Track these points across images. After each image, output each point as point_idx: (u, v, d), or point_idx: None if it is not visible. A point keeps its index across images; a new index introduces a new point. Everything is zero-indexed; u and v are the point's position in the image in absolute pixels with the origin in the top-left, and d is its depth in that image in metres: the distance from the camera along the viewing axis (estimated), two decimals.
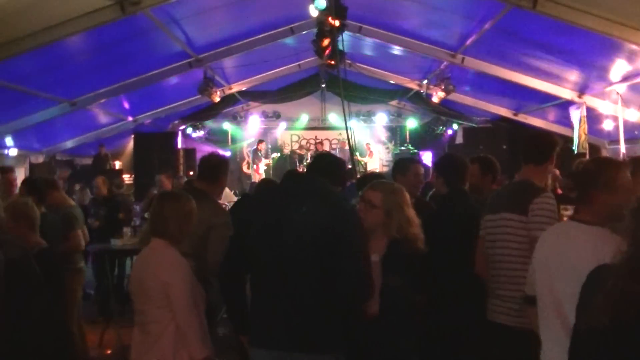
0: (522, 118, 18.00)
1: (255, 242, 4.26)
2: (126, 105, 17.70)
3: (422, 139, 24.43)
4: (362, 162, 22.96)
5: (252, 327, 4.32)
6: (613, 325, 2.54)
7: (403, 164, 6.84)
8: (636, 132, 13.17)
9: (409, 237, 4.71)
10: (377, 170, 21.03)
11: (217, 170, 6.09)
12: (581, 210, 3.88)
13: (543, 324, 3.90)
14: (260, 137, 24.58)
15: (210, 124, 24.13)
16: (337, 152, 23.52)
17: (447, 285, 5.32)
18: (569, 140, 14.11)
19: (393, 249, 4.68)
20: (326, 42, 12.84)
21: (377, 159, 24.80)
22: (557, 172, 8.68)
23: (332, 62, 13.22)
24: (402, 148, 24.08)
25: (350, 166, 10.89)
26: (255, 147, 23.72)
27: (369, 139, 24.96)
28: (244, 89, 20.11)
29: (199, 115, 21.68)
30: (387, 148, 25.60)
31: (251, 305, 4.35)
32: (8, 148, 15.97)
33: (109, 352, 9.30)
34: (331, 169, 4.58)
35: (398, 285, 4.56)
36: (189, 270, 4.58)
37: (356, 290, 4.19)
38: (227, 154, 23.83)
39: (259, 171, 22.89)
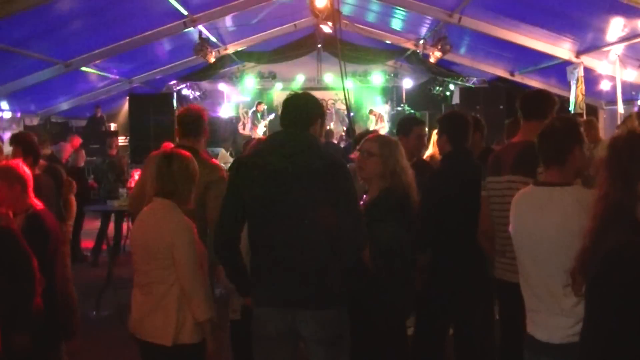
0: (519, 78, 17.93)
1: (251, 203, 4.24)
2: (121, 66, 17.61)
3: (418, 99, 24.35)
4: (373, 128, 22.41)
5: (254, 286, 4.33)
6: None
7: (406, 125, 6.79)
8: (633, 93, 13.13)
9: (402, 184, 4.81)
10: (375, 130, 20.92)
11: (198, 123, 6.05)
12: (552, 172, 3.84)
13: (525, 287, 3.92)
14: (256, 98, 24.49)
15: (205, 84, 24.05)
16: (333, 112, 23.48)
17: (451, 244, 5.33)
18: (566, 100, 14.07)
19: (385, 194, 4.80)
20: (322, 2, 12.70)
21: (386, 122, 24.24)
22: None
23: (329, 23, 13.12)
24: (399, 108, 24.02)
25: (346, 127, 10.85)
26: (254, 108, 23.65)
27: (364, 100, 24.81)
28: (239, 49, 20.00)
29: (194, 76, 21.58)
30: (384, 108, 25.50)
31: (252, 265, 4.35)
32: (2, 110, 15.91)
33: (106, 313, 9.33)
34: (306, 111, 4.43)
35: (390, 232, 4.60)
36: (193, 231, 4.57)
37: (356, 240, 4.26)
38: (228, 114, 23.85)
39: (258, 132, 22.82)
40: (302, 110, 4.42)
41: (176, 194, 4.63)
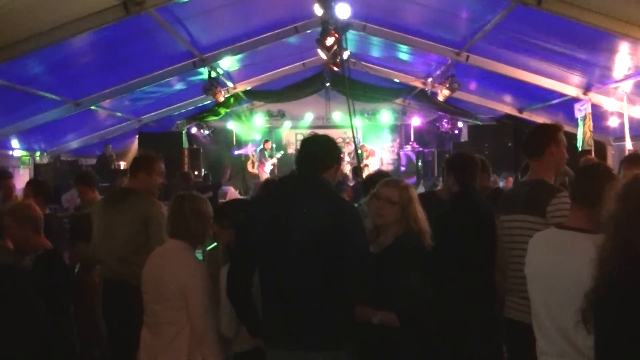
0: (527, 115, 17.96)
1: (259, 245, 4.25)
2: (131, 105, 17.70)
3: (426, 137, 24.39)
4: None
5: (264, 328, 4.33)
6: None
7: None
8: None
9: (416, 232, 4.69)
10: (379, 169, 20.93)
11: (142, 166, 6.42)
12: (578, 213, 3.83)
13: (537, 328, 3.89)
14: (265, 137, 24.58)
15: (214, 123, 24.14)
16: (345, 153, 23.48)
17: (459, 283, 5.29)
18: (574, 137, 14.07)
19: (402, 240, 4.68)
20: (330, 41, 12.78)
21: (378, 158, 24.45)
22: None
23: (337, 62, 13.21)
24: (407, 147, 24.04)
25: (350, 165, 10.81)
26: (261, 146, 23.70)
27: (373, 138, 24.83)
28: (248, 88, 20.12)
29: (203, 115, 21.69)
30: (392, 147, 25.52)
31: (263, 307, 4.35)
32: (13, 149, 15.99)
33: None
34: (322, 154, 4.44)
35: (406, 281, 4.54)
36: (206, 273, 4.57)
37: (363, 285, 4.24)
38: (239, 152, 23.95)
39: (265, 170, 22.86)
40: (318, 154, 4.41)
41: (189, 236, 4.64)
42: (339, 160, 4.54)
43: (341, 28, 11.49)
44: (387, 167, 23.37)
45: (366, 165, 21.93)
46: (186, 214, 4.66)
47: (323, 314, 4.13)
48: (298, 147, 4.60)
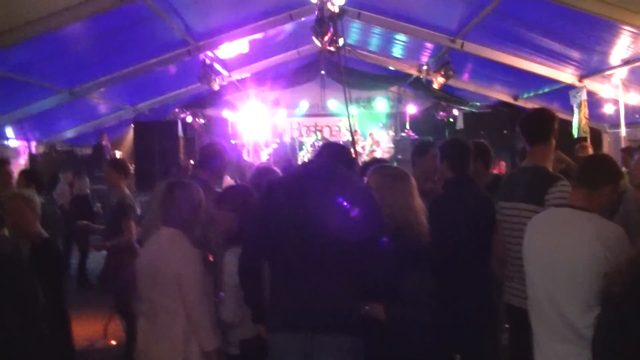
0: (523, 103, 17.98)
1: (276, 228, 4.26)
2: (126, 94, 17.70)
3: (422, 125, 24.35)
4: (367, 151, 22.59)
5: (272, 311, 4.33)
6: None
7: (422, 147, 6.86)
8: (637, 116, 13.16)
9: (408, 224, 4.58)
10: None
11: (216, 159, 6.07)
12: (578, 195, 3.87)
13: (534, 311, 3.91)
14: (260, 125, 24.53)
15: (210, 111, 24.10)
16: (341, 140, 23.49)
17: (454, 271, 5.28)
18: (570, 125, 14.08)
19: (392, 239, 4.51)
20: (326, 31, 12.75)
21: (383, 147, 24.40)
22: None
23: (332, 49, 13.17)
24: (403, 134, 24.02)
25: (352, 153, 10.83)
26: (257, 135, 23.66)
27: (368, 126, 24.79)
28: (243, 76, 20.09)
29: (198, 103, 21.66)
30: (388, 134, 25.49)
31: (272, 291, 4.36)
32: (8, 139, 15.97)
33: (113, 342, 9.29)
34: (341, 156, 4.59)
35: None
36: (200, 260, 4.57)
37: (381, 271, 4.25)
38: (232, 141, 23.90)
39: (261, 159, 22.82)
40: (340, 154, 4.67)
41: (180, 223, 4.64)
42: (353, 163, 4.85)
43: (336, 15, 11.45)
44: (384, 155, 23.29)
45: (373, 151, 22.07)
46: (177, 202, 4.65)
47: (334, 298, 4.15)
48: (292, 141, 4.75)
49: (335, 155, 4.59)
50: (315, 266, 4.16)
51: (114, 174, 8.14)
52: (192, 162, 18.82)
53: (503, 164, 13.69)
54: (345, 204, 4.15)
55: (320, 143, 18.35)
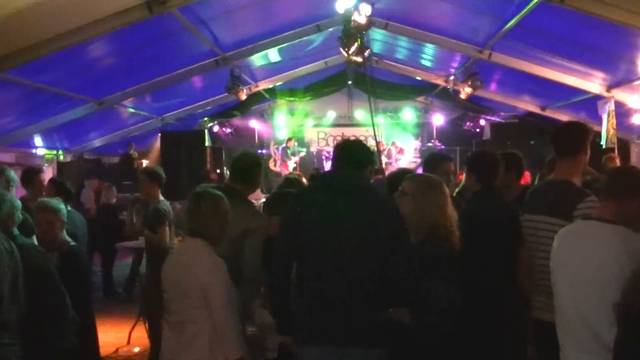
0: (550, 113, 17.87)
1: (305, 240, 4.28)
2: (153, 104, 17.81)
3: (449, 135, 24.31)
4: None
5: (300, 324, 4.34)
6: None
7: (432, 161, 6.77)
8: None
9: (441, 234, 4.60)
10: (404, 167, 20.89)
11: (251, 170, 6.02)
12: (605, 208, 3.85)
13: (561, 324, 3.89)
14: (287, 135, 24.59)
15: (237, 121, 24.22)
16: None
17: (484, 285, 5.25)
18: (597, 135, 13.98)
19: (422, 246, 4.59)
20: (353, 42, 12.76)
21: (408, 156, 24.44)
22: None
23: (359, 60, 13.18)
24: (429, 144, 23.98)
25: (376, 162, 10.84)
26: (284, 144, 23.73)
27: (395, 136, 24.74)
28: (270, 86, 20.16)
29: (226, 113, 21.76)
30: (414, 145, 25.46)
31: (299, 303, 4.38)
32: (37, 147, 16.14)
33: (137, 350, 9.35)
34: (358, 155, 4.57)
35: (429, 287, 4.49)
36: (226, 270, 4.58)
37: (409, 283, 4.27)
38: (259, 151, 23.96)
39: (288, 168, 22.87)
40: (357, 153, 4.57)
41: (207, 234, 4.65)
42: (373, 162, 4.75)
43: (363, 26, 11.47)
44: (410, 165, 23.25)
45: (397, 160, 22.08)
46: (203, 212, 4.66)
47: (363, 311, 4.16)
48: (333, 149, 4.69)
49: (355, 162, 4.56)
50: (344, 279, 4.17)
51: (149, 182, 8.26)
52: (218, 171, 19.03)
53: (528, 174, 13.59)
54: (371, 218, 4.19)
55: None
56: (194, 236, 4.69)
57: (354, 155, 4.54)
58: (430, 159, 6.96)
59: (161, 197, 8.33)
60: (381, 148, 21.74)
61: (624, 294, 3.02)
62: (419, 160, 23.28)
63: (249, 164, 6.03)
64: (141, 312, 9.72)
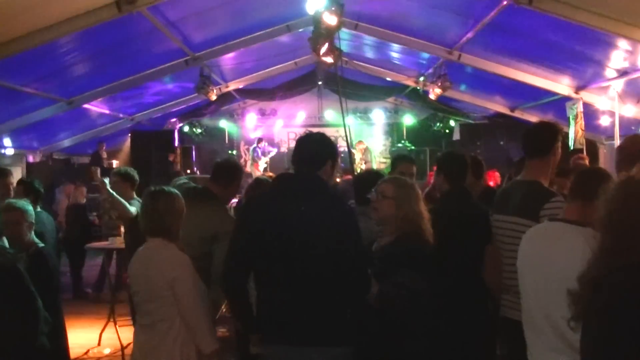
0: (519, 114, 18.02)
1: (261, 242, 4.26)
2: (123, 103, 17.70)
3: (419, 135, 24.40)
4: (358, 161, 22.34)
5: (263, 324, 4.33)
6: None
7: (394, 161, 6.92)
8: (633, 128, 13.17)
9: (416, 231, 4.70)
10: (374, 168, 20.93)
11: (231, 174, 6.02)
12: (572, 209, 3.88)
13: (528, 323, 3.93)
14: (257, 135, 24.56)
15: (207, 121, 24.15)
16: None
17: (454, 283, 5.29)
18: (566, 136, 14.10)
19: (397, 242, 4.70)
20: (324, 42, 12.75)
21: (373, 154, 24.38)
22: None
23: (329, 60, 13.18)
24: (399, 145, 24.05)
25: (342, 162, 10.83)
26: (255, 145, 23.68)
27: (365, 136, 24.72)
28: (240, 86, 20.12)
29: (195, 113, 21.69)
30: (384, 145, 25.54)
31: (260, 303, 4.37)
32: (5, 147, 15.99)
33: (108, 351, 9.30)
34: (318, 151, 4.51)
35: (406, 282, 4.54)
36: (191, 264, 4.58)
37: (362, 283, 4.34)
38: (229, 151, 23.90)
39: (259, 169, 22.82)
40: (313, 151, 4.49)
41: (164, 232, 4.64)
42: (334, 156, 4.57)
43: (333, 27, 11.45)
44: (380, 165, 23.30)
45: (366, 162, 21.97)
46: (161, 211, 4.65)
47: (322, 310, 4.17)
48: (293, 146, 4.63)
49: (314, 159, 4.50)
50: (302, 280, 4.18)
51: (121, 183, 8.24)
52: (188, 171, 18.97)
53: (497, 174, 13.68)
54: (324, 222, 4.22)
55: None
56: (153, 236, 4.67)
57: (313, 152, 4.48)
58: (393, 159, 7.11)
59: (135, 196, 8.34)
60: (358, 148, 21.84)
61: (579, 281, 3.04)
62: (388, 162, 23.32)
63: (231, 170, 6.05)
64: (111, 313, 9.68)
